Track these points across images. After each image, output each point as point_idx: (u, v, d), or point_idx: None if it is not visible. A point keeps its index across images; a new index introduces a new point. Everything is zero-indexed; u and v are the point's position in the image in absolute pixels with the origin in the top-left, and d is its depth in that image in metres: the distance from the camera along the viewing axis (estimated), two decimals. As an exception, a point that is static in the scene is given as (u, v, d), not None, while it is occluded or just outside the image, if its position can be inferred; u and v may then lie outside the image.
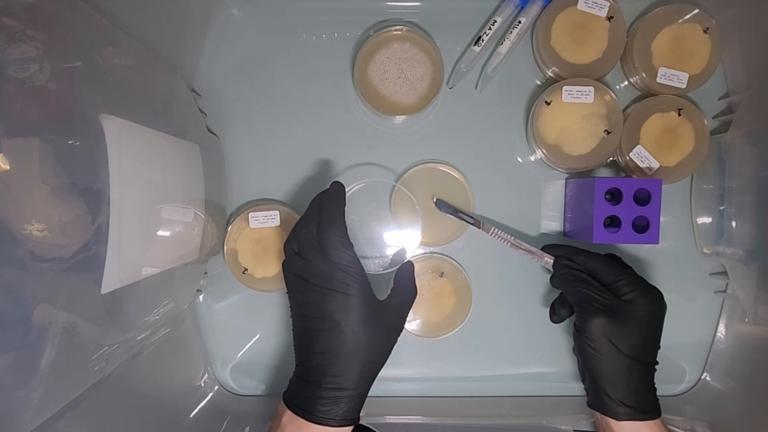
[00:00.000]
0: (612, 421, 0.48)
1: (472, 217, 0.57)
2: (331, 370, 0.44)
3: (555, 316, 0.56)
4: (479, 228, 0.56)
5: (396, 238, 0.58)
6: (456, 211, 0.57)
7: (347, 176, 0.60)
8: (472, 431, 0.57)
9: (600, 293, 0.49)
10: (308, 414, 0.44)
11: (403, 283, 0.50)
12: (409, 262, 0.52)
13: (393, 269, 0.53)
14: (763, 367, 0.55)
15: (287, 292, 0.48)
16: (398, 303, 0.49)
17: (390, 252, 0.57)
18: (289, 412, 0.45)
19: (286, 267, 0.48)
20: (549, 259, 0.55)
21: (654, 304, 0.49)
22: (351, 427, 0.45)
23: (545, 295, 0.61)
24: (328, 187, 0.49)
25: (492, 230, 0.56)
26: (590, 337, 0.48)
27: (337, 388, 0.44)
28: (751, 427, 0.54)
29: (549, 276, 0.56)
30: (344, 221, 0.47)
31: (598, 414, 0.49)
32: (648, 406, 0.48)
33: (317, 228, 0.46)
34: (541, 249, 0.56)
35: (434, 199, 0.57)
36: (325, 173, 0.60)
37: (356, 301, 0.44)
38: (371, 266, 0.56)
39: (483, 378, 0.62)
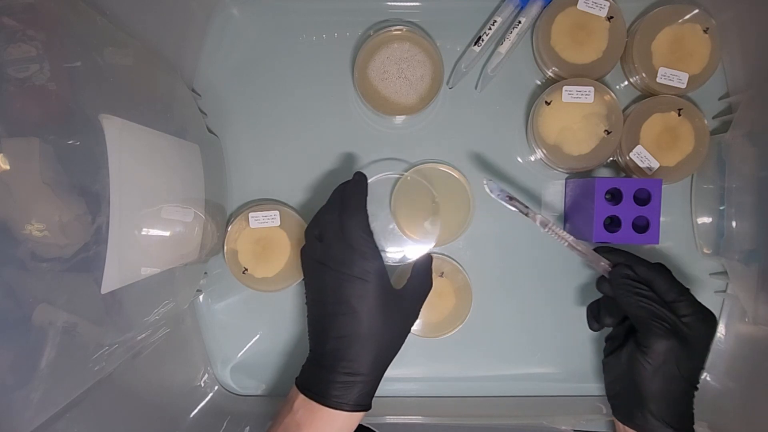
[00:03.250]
0: None
1: (527, 207, 0.51)
2: (346, 355, 0.45)
3: (597, 324, 0.53)
4: (534, 221, 0.51)
5: (413, 232, 0.57)
6: (510, 198, 0.51)
7: (347, 177, 0.60)
8: (472, 431, 0.57)
9: (665, 313, 0.47)
10: (321, 398, 0.44)
11: (420, 275, 0.51)
12: (428, 254, 0.52)
13: (406, 262, 0.53)
14: (763, 367, 0.55)
15: (304, 278, 0.49)
16: (414, 293, 0.50)
17: (404, 245, 0.57)
18: (301, 396, 0.45)
19: (305, 252, 0.49)
20: (606, 265, 0.51)
21: (712, 329, 0.49)
22: (363, 414, 0.46)
23: (545, 295, 0.61)
24: (348, 179, 0.51)
25: (549, 225, 0.51)
26: (656, 357, 0.47)
27: (352, 373, 0.45)
28: (751, 427, 0.54)
29: (597, 278, 0.53)
30: (366, 210, 0.48)
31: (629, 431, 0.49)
32: (689, 429, 0.48)
33: (339, 215, 0.47)
34: (595, 250, 0.52)
35: (485, 181, 0.51)
36: (325, 173, 0.60)
37: (374, 288, 0.45)
38: (386, 258, 0.56)
39: (483, 378, 0.62)
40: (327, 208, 0.49)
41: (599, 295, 0.55)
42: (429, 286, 0.51)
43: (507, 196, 0.51)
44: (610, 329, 0.55)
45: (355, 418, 0.46)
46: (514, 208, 0.51)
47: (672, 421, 0.47)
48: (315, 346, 0.47)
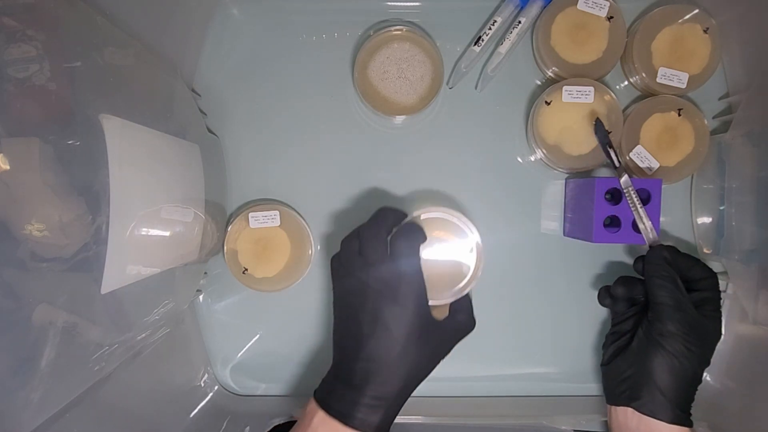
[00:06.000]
0: (658, 424, 0.47)
1: (619, 162, 0.52)
2: (375, 378, 0.43)
3: (609, 298, 0.54)
4: (617, 176, 0.51)
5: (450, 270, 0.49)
6: (608, 145, 0.52)
7: (347, 177, 0.60)
8: (471, 431, 0.57)
9: (688, 305, 0.48)
10: (346, 418, 0.43)
11: (463, 312, 0.49)
12: (467, 295, 0.49)
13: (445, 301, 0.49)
14: (763, 367, 0.55)
15: (334, 289, 0.48)
16: (453, 329, 0.48)
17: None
18: (321, 413, 0.44)
19: (341, 264, 0.47)
20: (653, 239, 0.51)
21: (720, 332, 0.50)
22: None
23: (544, 295, 0.61)
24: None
25: (627, 189, 0.51)
26: (674, 338, 0.47)
27: (379, 397, 0.43)
28: (751, 427, 0.54)
29: (635, 258, 0.54)
30: (423, 235, 0.47)
31: (636, 416, 0.48)
32: (689, 415, 0.48)
33: (389, 234, 0.46)
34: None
35: (595, 120, 0.53)
36: (325, 173, 0.60)
37: (413, 314, 0.44)
38: None
39: (483, 378, 0.62)
40: (372, 225, 0.47)
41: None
42: (471, 326, 0.49)
43: (608, 143, 0.52)
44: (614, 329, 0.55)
45: None
46: (606, 156, 0.52)
47: (682, 404, 0.47)
48: (341, 361, 0.46)
